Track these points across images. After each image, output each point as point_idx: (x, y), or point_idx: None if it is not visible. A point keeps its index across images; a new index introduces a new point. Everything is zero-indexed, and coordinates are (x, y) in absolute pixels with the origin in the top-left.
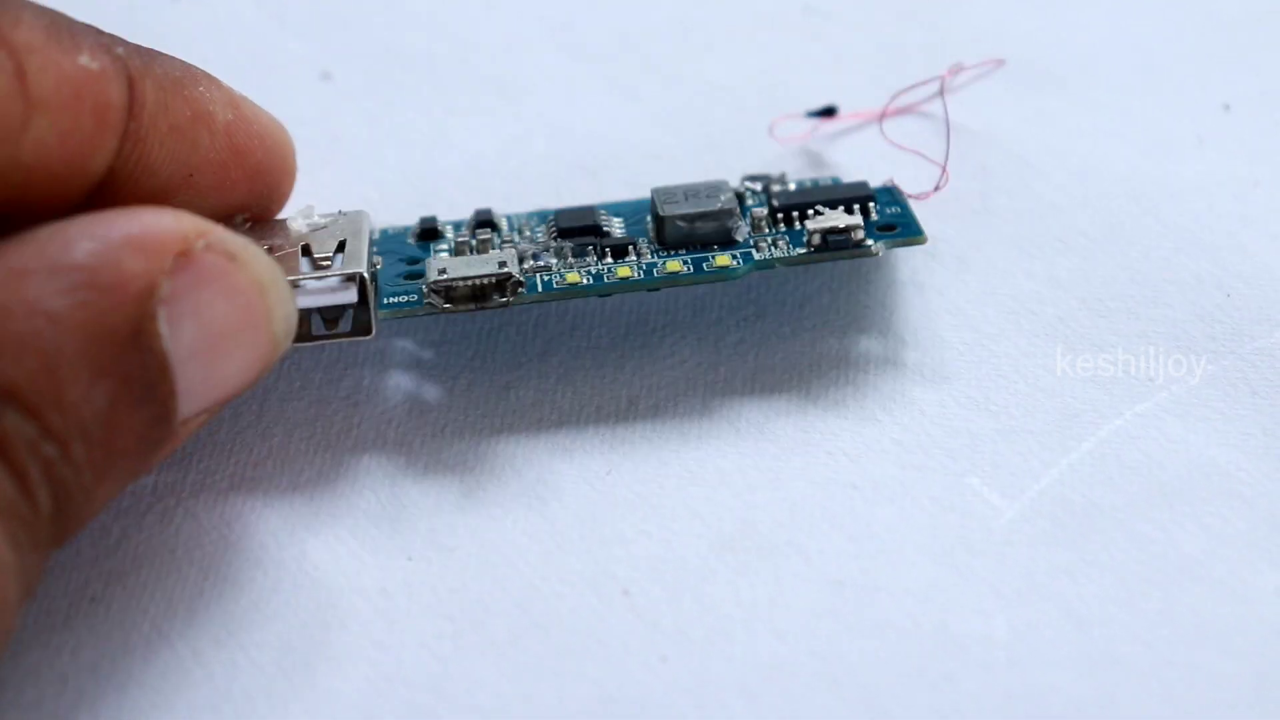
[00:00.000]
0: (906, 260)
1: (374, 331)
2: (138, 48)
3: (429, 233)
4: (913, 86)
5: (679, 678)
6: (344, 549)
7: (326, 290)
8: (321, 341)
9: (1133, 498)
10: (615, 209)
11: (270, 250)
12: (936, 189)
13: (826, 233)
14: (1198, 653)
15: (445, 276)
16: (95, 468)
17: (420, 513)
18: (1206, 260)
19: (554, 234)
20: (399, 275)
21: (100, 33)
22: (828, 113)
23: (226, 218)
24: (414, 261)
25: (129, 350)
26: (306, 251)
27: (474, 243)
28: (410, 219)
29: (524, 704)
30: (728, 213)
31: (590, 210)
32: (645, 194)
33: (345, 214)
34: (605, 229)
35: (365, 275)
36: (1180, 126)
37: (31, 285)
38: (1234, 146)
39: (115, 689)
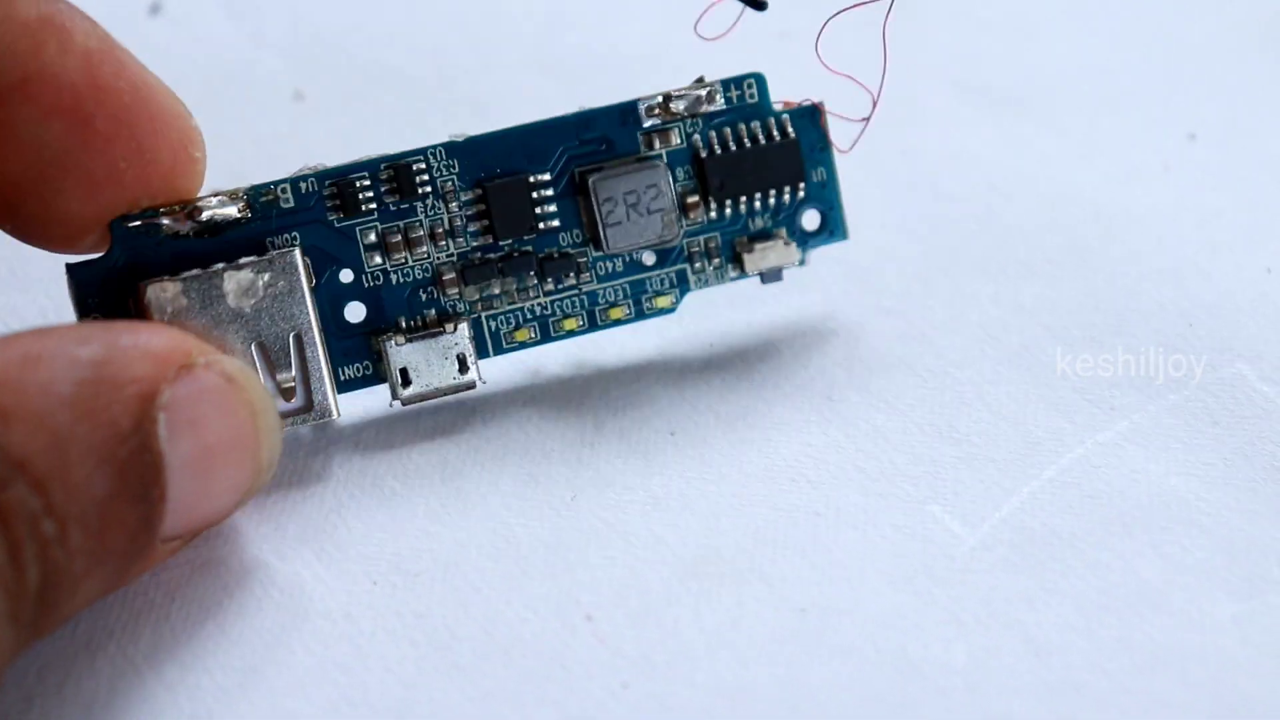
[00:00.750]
0: (873, 285)
1: (338, 414)
2: None
3: (349, 205)
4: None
5: (641, 703)
6: (309, 573)
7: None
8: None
9: (1093, 526)
10: (540, 153)
11: (214, 329)
12: (866, 120)
13: (764, 272)
14: (1155, 681)
15: (414, 393)
16: (86, 557)
17: (385, 537)
18: (1170, 288)
19: (485, 227)
20: (344, 333)
21: None
22: (757, 5)
23: (112, 202)
24: (344, 266)
25: (130, 445)
26: (265, 361)
27: (414, 274)
28: None
29: None
30: (667, 237)
31: (520, 187)
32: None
33: (274, 261)
34: (537, 220)
35: (335, 412)
36: (1147, 154)
37: (45, 370)
38: (1199, 175)
39: (80, 711)
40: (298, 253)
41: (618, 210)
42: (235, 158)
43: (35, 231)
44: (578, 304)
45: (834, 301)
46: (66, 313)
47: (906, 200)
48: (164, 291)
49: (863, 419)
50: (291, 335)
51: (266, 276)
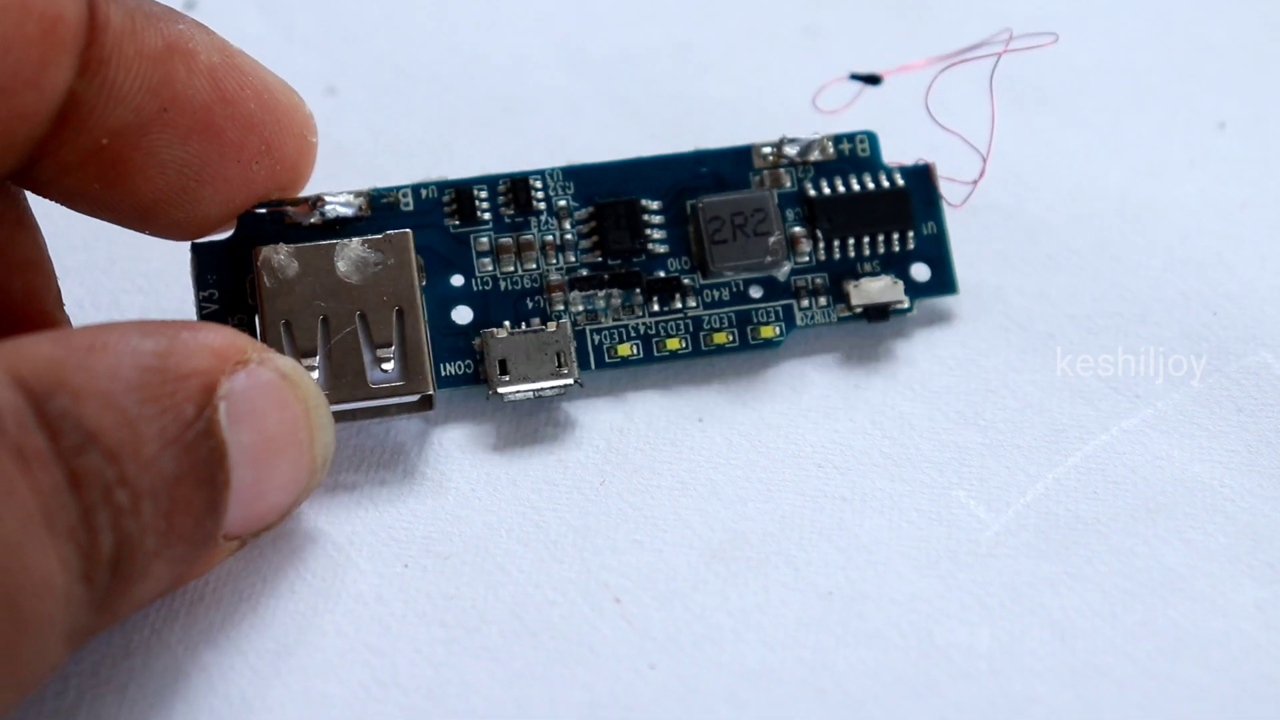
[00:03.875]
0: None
1: (434, 390)
2: None
3: (466, 211)
4: (963, 58)
5: (668, 685)
6: (341, 556)
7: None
8: (381, 418)
9: (1117, 512)
10: (652, 184)
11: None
12: (975, 183)
13: (868, 307)
14: (1177, 664)
15: (511, 388)
16: (157, 536)
17: (416, 521)
18: (1194, 279)
19: (596, 238)
20: (449, 331)
21: None
22: (871, 80)
23: (245, 201)
24: (453, 265)
25: (195, 429)
26: (366, 333)
27: (520, 272)
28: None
29: (515, 709)
30: (774, 264)
31: (631, 208)
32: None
33: (389, 239)
34: (645, 240)
35: (432, 393)
36: (1172, 147)
37: (111, 356)
38: (1223, 168)
39: (115, 691)
40: (410, 234)
41: (724, 230)
42: None
43: (172, 233)
44: (682, 326)
45: None
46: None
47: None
48: (276, 253)
49: (889, 406)
50: (395, 310)
51: (378, 254)
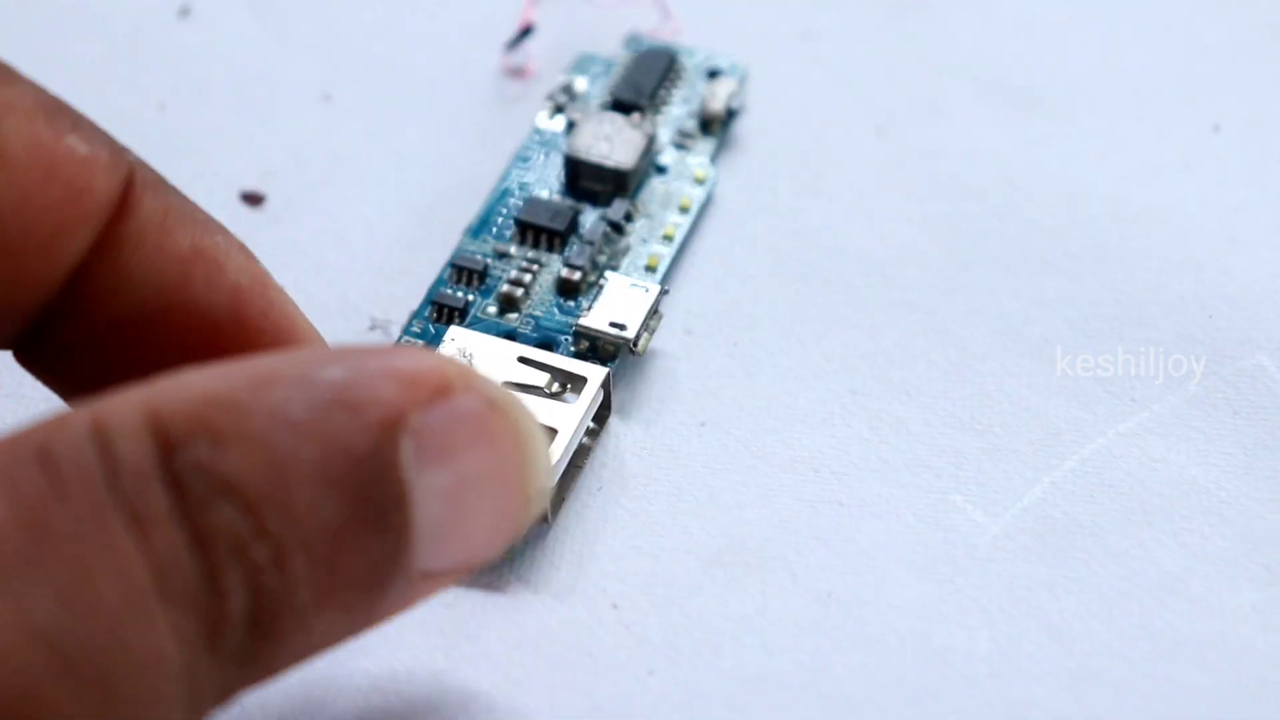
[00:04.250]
0: (895, 280)
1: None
2: (159, 177)
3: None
4: None
5: (667, 690)
6: None
7: None
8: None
9: (1114, 515)
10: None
11: None
12: None
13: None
14: (1175, 667)
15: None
16: (315, 587)
17: None
18: (1190, 281)
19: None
20: None
21: (112, 139)
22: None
23: None
24: None
25: (366, 469)
26: None
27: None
28: (407, 238)
29: (514, 716)
30: None
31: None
32: None
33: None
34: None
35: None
36: (1167, 150)
37: (277, 391)
38: (1219, 169)
39: None
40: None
41: None
42: (264, 159)
43: None
44: None
45: (855, 296)
46: None
47: (927, 197)
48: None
49: (886, 411)
50: None
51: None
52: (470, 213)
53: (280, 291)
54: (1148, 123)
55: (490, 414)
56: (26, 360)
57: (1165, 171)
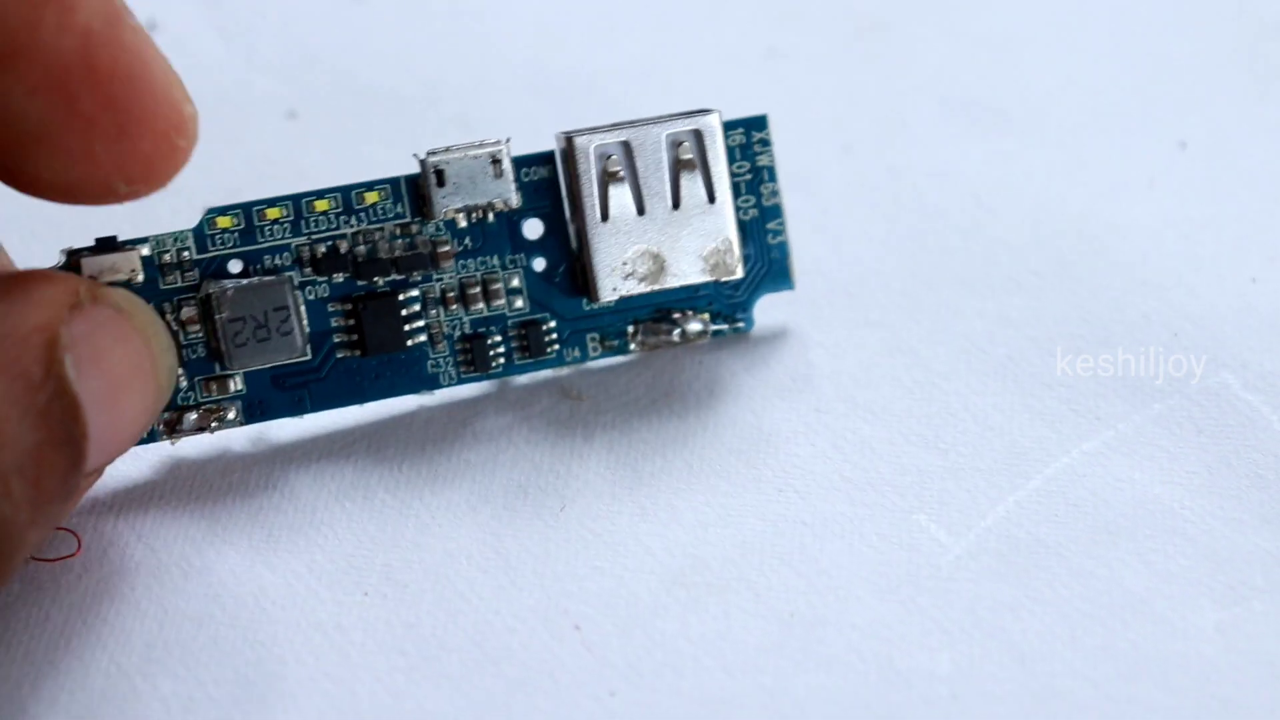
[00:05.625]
0: (859, 299)
1: None
2: None
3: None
4: None
5: (628, 712)
6: (300, 584)
7: None
8: None
9: (1077, 534)
10: None
11: None
12: None
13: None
14: (1139, 688)
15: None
16: (30, 507)
17: (376, 549)
18: (1154, 300)
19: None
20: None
21: None
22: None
23: (84, 176)
24: None
25: (46, 392)
26: None
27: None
28: None
29: None
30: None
31: None
32: None
33: None
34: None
35: None
36: (1132, 167)
37: None
38: (1184, 188)
39: None
40: None
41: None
42: (230, 176)
43: (18, 186)
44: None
45: (820, 315)
46: None
47: (892, 215)
48: None
49: (850, 430)
50: None
51: None
52: None
53: (136, 32)
54: (1113, 140)
55: (119, 316)
56: None
57: (1130, 189)
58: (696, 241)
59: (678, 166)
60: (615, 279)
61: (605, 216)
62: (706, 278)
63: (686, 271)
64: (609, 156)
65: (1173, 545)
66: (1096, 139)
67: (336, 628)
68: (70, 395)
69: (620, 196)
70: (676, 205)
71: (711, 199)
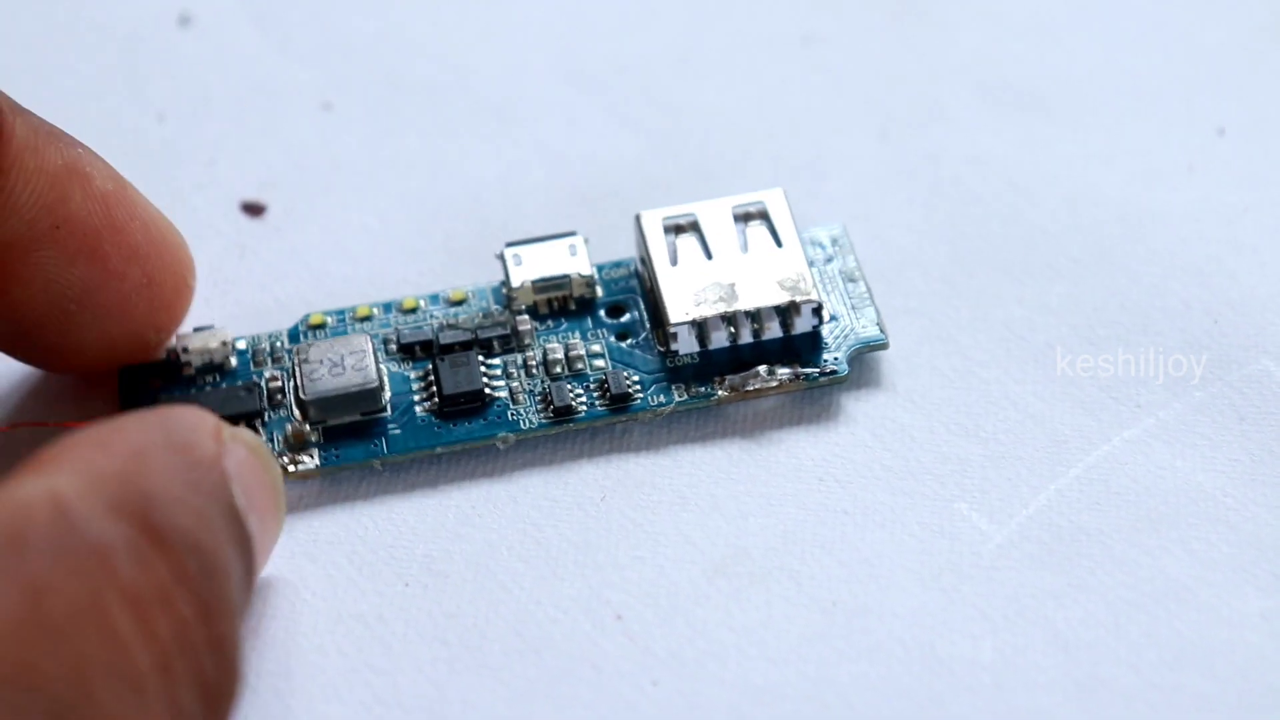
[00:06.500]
0: (898, 287)
1: None
2: (12, 101)
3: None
4: None
5: (671, 701)
6: (341, 575)
7: None
8: None
9: (1119, 523)
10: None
11: None
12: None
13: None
14: (1182, 676)
15: None
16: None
17: (417, 539)
18: (1195, 286)
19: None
20: None
21: None
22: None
23: (120, 333)
24: None
25: (237, 524)
26: None
27: None
28: (409, 248)
29: None
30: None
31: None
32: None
33: None
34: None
35: None
36: (1171, 153)
37: (157, 461)
38: (1223, 173)
39: None
40: None
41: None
42: (264, 168)
43: (42, 359)
44: None
45: (857, 304)
46: None
47: (930, 202)
48: None
49: (889, 418)
50: None
51: None
52: (471, 223)
53: (136, 191)
54: (1151, 126)
55: (256, 456)
56: None
57: (1169, 175)
58: (768, 273)
59: (744, 219)
60: (687, 304)
61: (675, 261)
62: (783, 297)
63: (760, 295)
64: (673, 217)
65: (1216, 533)
66: (1135, 125)
67: (378, 618)
68: (243, 528)
69: (688, 245)
70: (744, 250)
71: (779, 244)
